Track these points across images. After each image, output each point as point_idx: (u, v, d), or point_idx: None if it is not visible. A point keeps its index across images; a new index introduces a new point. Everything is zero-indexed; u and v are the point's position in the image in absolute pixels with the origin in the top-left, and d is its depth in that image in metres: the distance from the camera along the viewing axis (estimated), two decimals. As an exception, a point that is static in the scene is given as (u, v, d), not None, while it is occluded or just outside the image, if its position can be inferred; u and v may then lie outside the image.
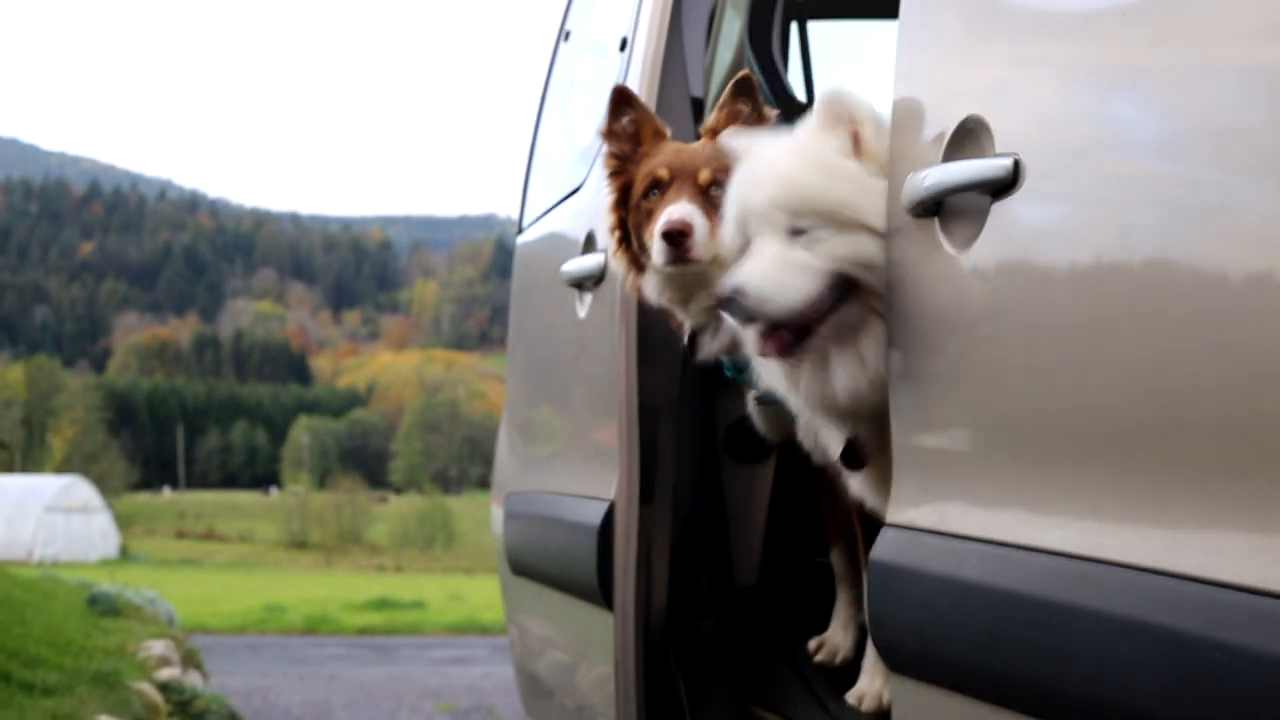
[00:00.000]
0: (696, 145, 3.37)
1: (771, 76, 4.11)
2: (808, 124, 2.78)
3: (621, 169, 3.45)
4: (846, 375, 2.72)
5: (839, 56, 5.23)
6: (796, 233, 2.67)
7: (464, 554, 64.51)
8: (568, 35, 5.24)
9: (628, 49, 4.05)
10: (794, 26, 4.75)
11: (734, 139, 2.92)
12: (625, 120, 3.49)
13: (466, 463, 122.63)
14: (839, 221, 2.66)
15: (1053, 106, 2.16)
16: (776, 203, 2.69)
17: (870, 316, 2.69)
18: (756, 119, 3.29)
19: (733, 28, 4.13)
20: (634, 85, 3.89)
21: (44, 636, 9.29)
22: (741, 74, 3.34)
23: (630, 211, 3.40)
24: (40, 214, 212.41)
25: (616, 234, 3.45)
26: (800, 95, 4.53)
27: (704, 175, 3.26)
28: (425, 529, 72.25)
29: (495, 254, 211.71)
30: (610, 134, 3.50)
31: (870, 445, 2.88)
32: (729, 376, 3.46)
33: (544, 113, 5.43)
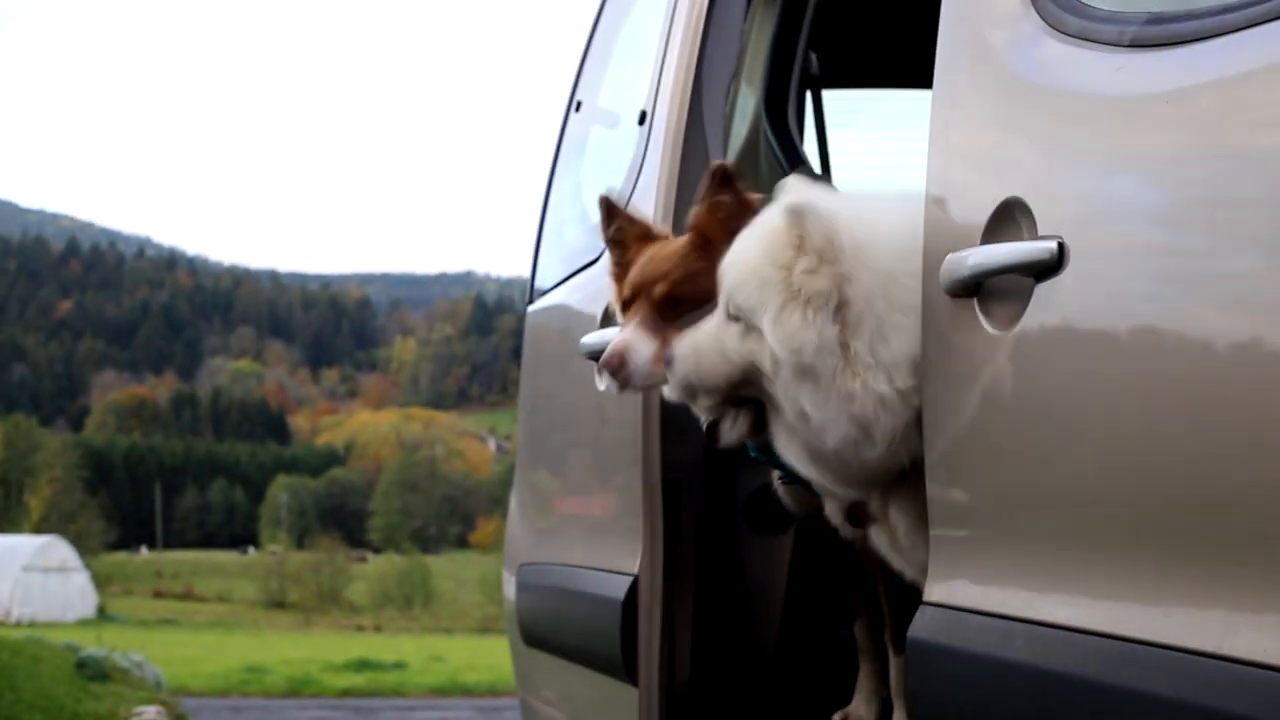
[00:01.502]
0: (671, 248, 3.37)
1: (787, 146, 4.12)
2: (771, 219, 2.81)
3: (621, 275, 3.50)
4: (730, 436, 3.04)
5: (852, 124, 5.27)
6: (733, 317, 2.80)
7: (443, 613, 64.33)
8: (578, 106, 5.26)
9: (648, 122, 4.07)
10: (809, 95, 4.77)
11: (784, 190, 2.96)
12: (614, 229, 3.54)
13: (445, 521, 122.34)
14: (750, 322, 2.76)
15: (1097, 189, 2.18)
16: (725, 286, 2.84)
17: (769, 402, 2.82)
18: (740, 208, 3.24)
19: (748, 100, 4.16)
20: (655, 158, 3.91)
21: (35, 702, 9.25)
22: (718, 165, 3.33)
23: None
24: (18, 271, 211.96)
25: None
26: (815, 164, 4.55)
27: (659, 290, 3.28)
28: (404, 588, 72.05)
29: (474, 311, 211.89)
30: (609, 242, 3.56)
31: (877, 508, 2.91)
32: (753, 457, 3.47)
33: (554, 182, 5.45)
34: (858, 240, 2.71)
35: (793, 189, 2.86)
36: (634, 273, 3.37)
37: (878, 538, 2.98)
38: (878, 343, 2.66)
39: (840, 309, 2.65)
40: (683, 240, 3.36)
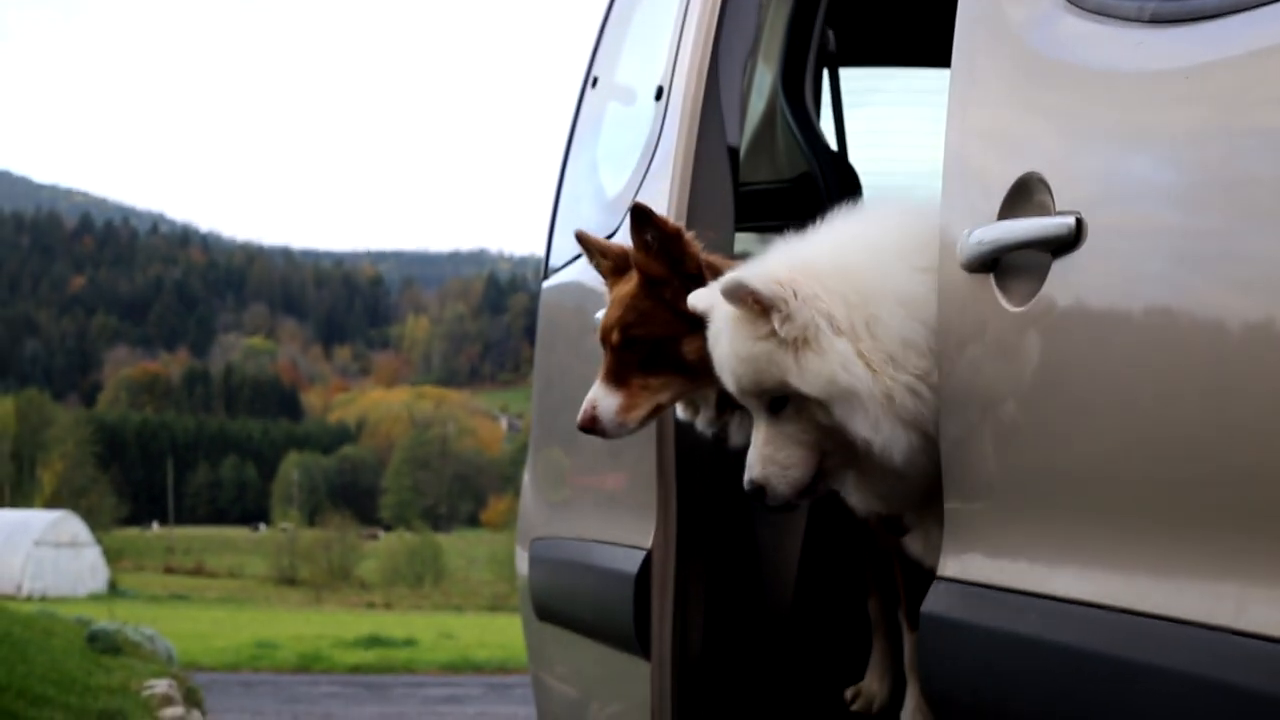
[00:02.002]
0: (626, 290, 3.42)
1: (804, 123, 4.13)
2: (719, 315, 2.89)
3: None
4: (859, 499, 2.93)
5: (868, 102, 5.26)
6: (777, 404, 2.79)
7: (454, 591, 64.36)
8: (595, 81, 5.26)
9: (664, 98, 4.07)
10: (825, 73, 4.76)
11: (696, 297, 3.06)
12: (594, 263, 3.65)
13: (456, 500, 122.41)
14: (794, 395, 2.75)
15: (1115, 165, 2.18)
16: (743, 390, 2.83)
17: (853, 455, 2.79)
18: (667, 238, 3.31)
19: (765, 78, 4.16)
20: (672, 134, 3.91)
21: (47, 675, 9.29)
22: (632, 206, 3.35)
23: None
24: (31, 247, 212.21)
25: None
26: (832, 141, 4.55)
27: (614, 338, 3.36)
28: (415, 566, 72.02)
29: (487, 290, 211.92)
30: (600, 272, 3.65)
31: (913, 519, 2.94)
32: None
33: (570, 158, 5.45)
34: (800, 265, 2.78)
35: (702, 294, 2.99)
36: (602, 320, 3.45)
37: (913, 543, 2.99)
38: (876, 334, 2.68)
39: (835, 324, 2.69)
40: (633, 282, 3.41)
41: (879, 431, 2.67)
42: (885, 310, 2.69)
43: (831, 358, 2.67)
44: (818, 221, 2.98)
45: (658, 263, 3.32)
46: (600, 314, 4.06)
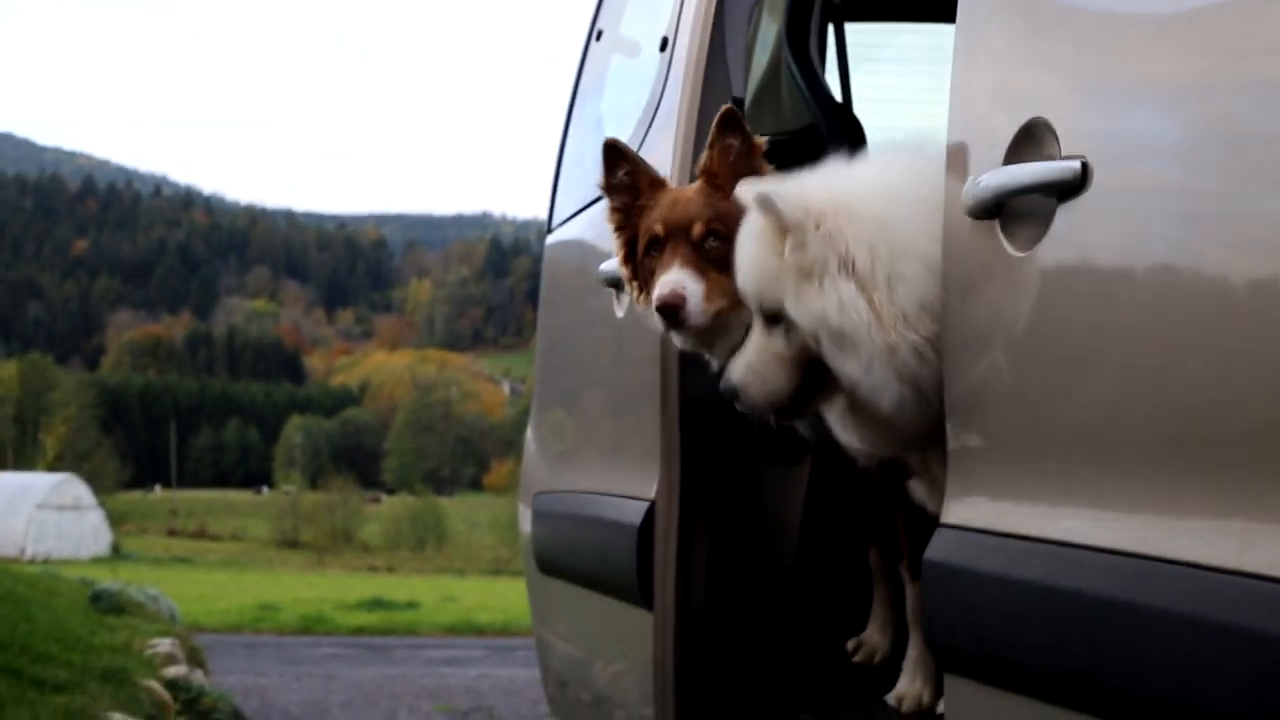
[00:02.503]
0: (691, 191, 3.37)
1: (809, 77, 4.11)
2: (750, 220, 2.89)
3: (625, 223, 3.50)
4: (846, 435, 2.98)
5: (874, 58, 5.24)
6: (774, 319, 2.84)
7: (456, 555, 64.47)
8: (599, 35, 5.24)
9: (669, 49, 4.06)
10: (830, 28, 4.74)
11: (743, 190, 2.96)
12: (621, 174, 3.51)
13: (459, 463, 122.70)
14: (784, 316, 2.80)
15: (1121, 109, 2.17)
16: (748, 295, 2.90)
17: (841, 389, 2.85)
18: (749, 150, 3.30)
19: (770, 30, 4.13)
20: (677, 85, 3.90)
21: (51, 633, 9.31)
22: (725, 109, 3.33)
23: (638, 266, 3.44)
24: (34, 210, 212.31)
25: (634, 284, 3.48)
26: (837, 95, 4.53)
27: (697, 230, 3.27)
28: (417, 529, 72.18)
29: (490, 253, 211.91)
30: (609, 188, 3.53)
31: (916, 462, 2.94)
32: None
33: (574, 112, 5.44)
34: (839, 200, 2.77)
35: (748, 187, 2.90)
36: (661, 215, 3.35)
37: (917, 487, 3.00)
38: (894, 291, 2.69)
39: (849, 268, 2.69)
40: (698, 184, 3.36)
41: (870, 375, 2.70)
42: (911, 270, 2.70)
43: (830, 296, 2.69)
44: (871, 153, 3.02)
45: (730, 171, 3.25)
46: (610, 264, 4.06)
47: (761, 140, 3.34)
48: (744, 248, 2.91)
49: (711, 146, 3.33)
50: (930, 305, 2.68)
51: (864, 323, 2.67)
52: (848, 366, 2.71)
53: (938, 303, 2.66)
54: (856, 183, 2.88)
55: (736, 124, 3.30)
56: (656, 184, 3.47)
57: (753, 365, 2.89)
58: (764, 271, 2.82)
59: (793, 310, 2.76)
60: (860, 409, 2.83)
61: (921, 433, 2.77)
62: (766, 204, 2.76)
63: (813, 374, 2.85)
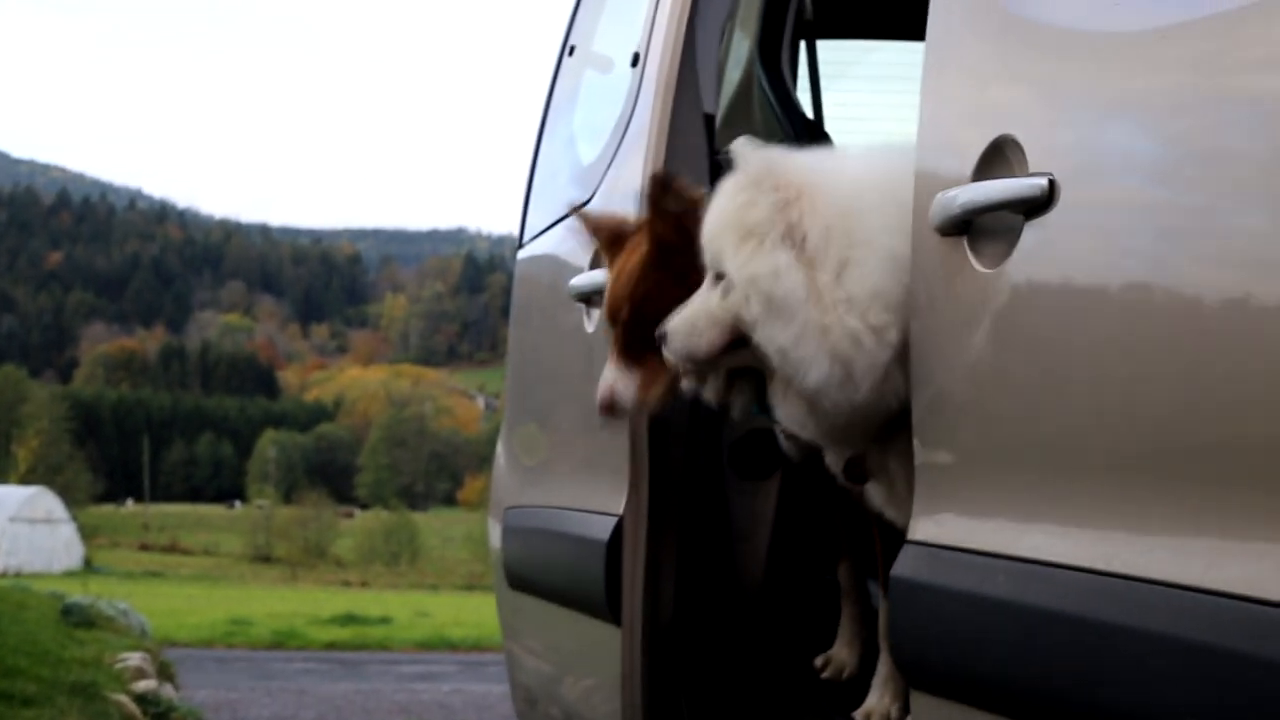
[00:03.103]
0: (634, 262, 3.32)
1: (781, 94, 4.11)
2: (738, 180, 2.84)
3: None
4: (782, 413, 2.91)
5: (845, 75, 5.26)
6: (719, 277, 2.82)
7: (429, 570, 64.51)
8: (571, 50, 5.24)
9: (641, 65, 4.06)
10: (802, 45, 4.75)
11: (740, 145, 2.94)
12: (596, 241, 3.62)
13: (433, 478, 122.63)
14: (723, 272, 2.80)
15: (1088, 126, 2.18)
16: (704, 248, 2.87)
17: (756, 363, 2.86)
18: (688, 207, 3.14)
19: (742, 46, 4.14)
20: (648, 100, 3.89)
21: (20, 646, 9.26)
22: (655, 174, 3.29)
23: None
24: (8, 222, 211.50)
25: None
26: (809, 111, 4.53)
27: (624, 313, 3.27)
28: (391, 545, 72.19)
29: (465, 269, 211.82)
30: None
31: (874, 462, 2.93)
32: (755, 414, 3.45)
33: (547, 127, 5.43)
34: (815, 179, 2.77)
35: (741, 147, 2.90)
36: (606, 297, 3.35)
37: (874, 492, 2.99)
38: (843, 276, 2.68)
39: (797, 240, 2.69)
40: (642, 252, 3.31)
41: (798, 348, 2.68)
42: (871, 261, 2.68)
43: (766, 260, 2.70)
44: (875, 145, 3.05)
45: (675, 232, 3.15)
46: (580, 279, 4.06)
47: (701, 192, 3.17)
48: (714, 200, 2.89)
49: (650, 211, 3.25)
50: (885, 294, 2.66)
51: (799, 297, 2.66)
52: (777, 335, 2.69)
53: (896, 294, 2.66)
54: (841, 170, 2.87)
55: (667, 185, 3.19)
56: (615, 243, 3.47)
57: (686, 317, 2.88)
58: (715, 222, 2.82)
59: (729, 266, 2.76)
60: (787, 383, 2.81)
61: (861, 420, 2.76)
62: (740, 156, 2.78)
63: (741, 341, 2.83)
